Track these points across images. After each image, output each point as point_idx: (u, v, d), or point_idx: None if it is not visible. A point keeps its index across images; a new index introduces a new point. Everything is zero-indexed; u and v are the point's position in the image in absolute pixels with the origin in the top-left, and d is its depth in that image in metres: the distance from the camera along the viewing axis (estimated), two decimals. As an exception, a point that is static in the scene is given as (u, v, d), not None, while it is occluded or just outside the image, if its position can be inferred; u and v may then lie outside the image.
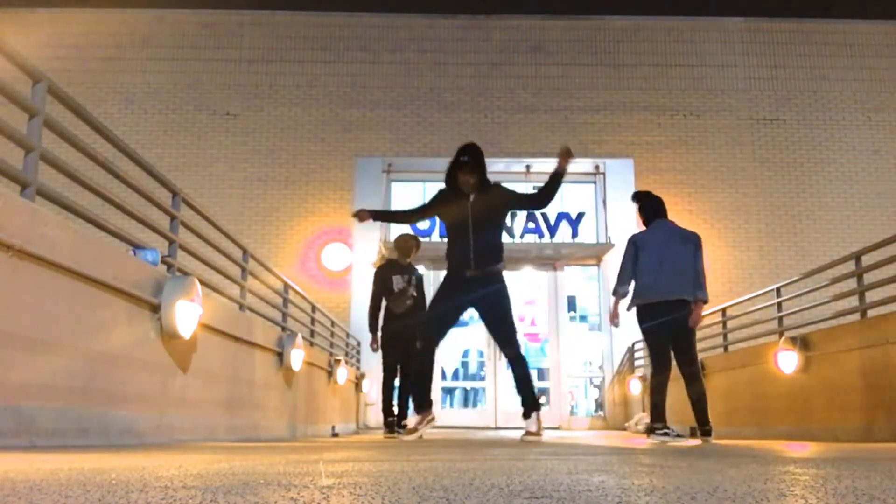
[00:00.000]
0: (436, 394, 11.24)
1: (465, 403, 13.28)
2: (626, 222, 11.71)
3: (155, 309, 3.81)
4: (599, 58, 13.79)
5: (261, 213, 12.86)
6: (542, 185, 5.16)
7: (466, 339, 12.62)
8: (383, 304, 7.42)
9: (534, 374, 12.48)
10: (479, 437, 6.38)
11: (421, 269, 8.58)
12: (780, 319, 7.41)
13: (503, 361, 8.52)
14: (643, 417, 9.61)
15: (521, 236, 12.58)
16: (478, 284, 5.02)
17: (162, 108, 13.29)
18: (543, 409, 6.73)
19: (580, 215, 12.72)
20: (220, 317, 4.83)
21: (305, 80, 13.51)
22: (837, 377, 5.68)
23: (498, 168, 12.02)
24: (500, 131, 13.31)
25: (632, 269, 5.56)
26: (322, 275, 12.61)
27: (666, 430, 5.34)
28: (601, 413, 12.80)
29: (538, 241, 12.59)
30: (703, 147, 13.41)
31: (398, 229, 9.61)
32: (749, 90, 13.73)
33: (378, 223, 10.55)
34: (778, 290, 7.41)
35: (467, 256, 5.02)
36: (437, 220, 11.22)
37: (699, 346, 6.88)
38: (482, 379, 12.97)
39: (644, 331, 5.61)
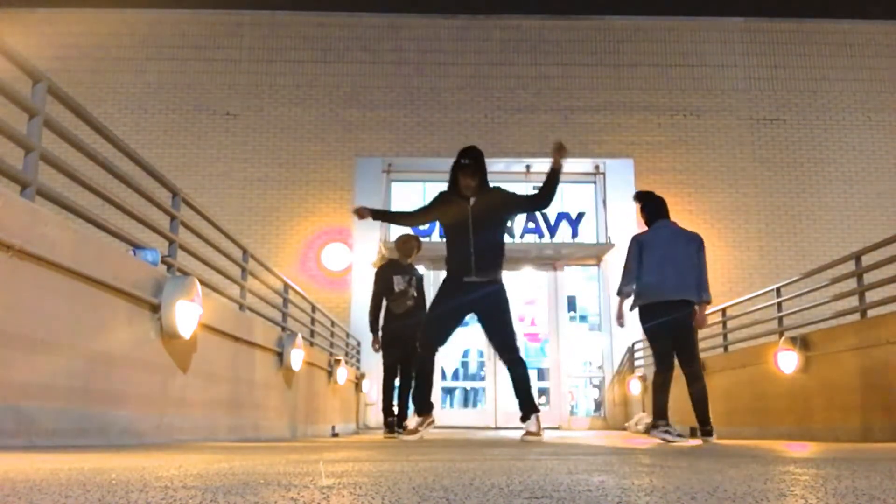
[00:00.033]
0: (436, 394, 11.24)
1: (465, 403, 13.27)
2: (627, 222, 11.73)
3: (155, 309, 3.81)
4: (599, 58, 13.79)
5: (261, 213, 12.86)
6: (541, 184, 5.15)
7: (466, 339, 12.60)
8: (384, 304, 7.42)
9: (533, 374, 12.51)
10: (479, 437, 6.38)
11: (421, 269, 8.58)
12: (780, 319, 7.41)
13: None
14: (643, 417, 9.62)
15: (521, 236, 12.58)
16: (477, 288, 5.00)
17: (162, 108, 13.29)
18: (543, 410, 6.72)
19: (580, 215, 12.71)
20: (220, 317, 4.83)
21: (305, 80, 13.50)
22: (837, 377, 5.68)
23: (498, 168, 12.02)
24: (500, 131, 13.31)
25: (636, 268, 5.54)
26: (322, 275, 12.61)
27: (667, 429, 5.34)
28: (601, 413, 12.80)
29: (538, 241, 12.59)
30: (703, 147, 13.40)
31: (398, 229, 9.60)
32: (749, 90, 13.73)
33: (378, 223, 10.54)
34: (778, 290, 7.42)
35: (468, 260, 4.99)
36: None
37: (699, 345, 6.88)
38: (482, 379, 12.98)
39: (647, 331, 5.60)
